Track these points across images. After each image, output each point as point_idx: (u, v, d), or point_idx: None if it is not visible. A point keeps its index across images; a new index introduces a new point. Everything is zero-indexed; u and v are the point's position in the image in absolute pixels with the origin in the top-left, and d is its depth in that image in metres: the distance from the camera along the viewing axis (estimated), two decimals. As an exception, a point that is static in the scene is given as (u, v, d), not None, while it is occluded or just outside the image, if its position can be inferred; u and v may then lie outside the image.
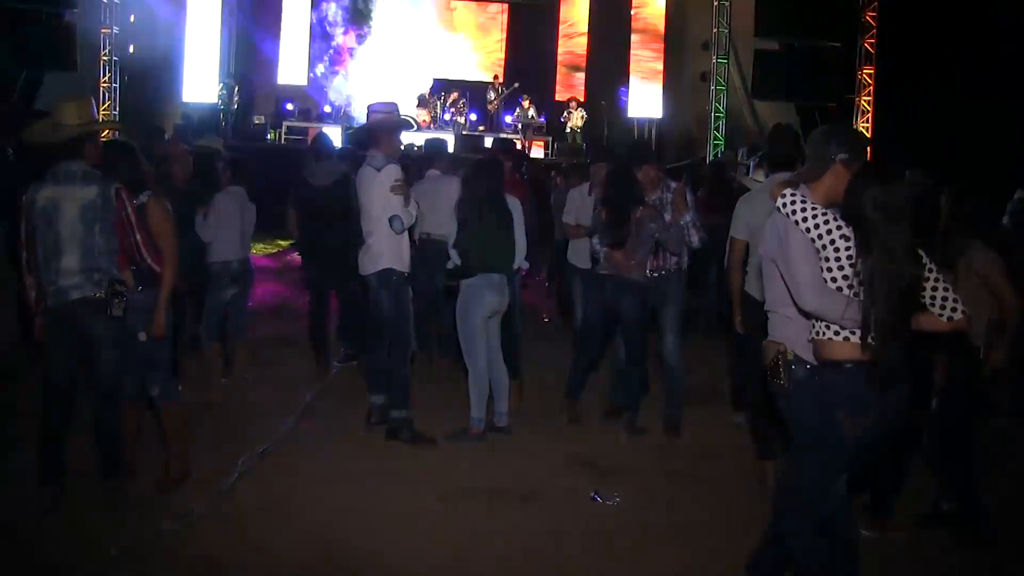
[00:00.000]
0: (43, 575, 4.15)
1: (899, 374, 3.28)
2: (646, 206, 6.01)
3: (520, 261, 6.20)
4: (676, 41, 20.38)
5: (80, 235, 4.56)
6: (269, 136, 18.91)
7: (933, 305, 3.32)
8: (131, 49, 17.20)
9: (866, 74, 17.20)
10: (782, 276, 3.50)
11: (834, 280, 3.29)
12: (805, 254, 3.36)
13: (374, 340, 6.14)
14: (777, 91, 17.04)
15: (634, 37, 20.50)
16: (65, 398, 4.71)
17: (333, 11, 20.32)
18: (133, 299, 4.72)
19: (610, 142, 18.26)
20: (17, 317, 7.04)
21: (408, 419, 5.92)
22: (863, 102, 17.20)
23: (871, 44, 17.09)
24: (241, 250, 7.00)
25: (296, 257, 11.88)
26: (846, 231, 3.28)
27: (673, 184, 6.23)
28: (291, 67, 20.45)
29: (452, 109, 19.28)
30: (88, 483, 4.75)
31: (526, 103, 19.27)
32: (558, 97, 20.84)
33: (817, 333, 3.39)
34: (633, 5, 20.54)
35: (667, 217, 6.04)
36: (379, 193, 5.76)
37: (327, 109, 19.51)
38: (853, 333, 3.28)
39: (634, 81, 20.32)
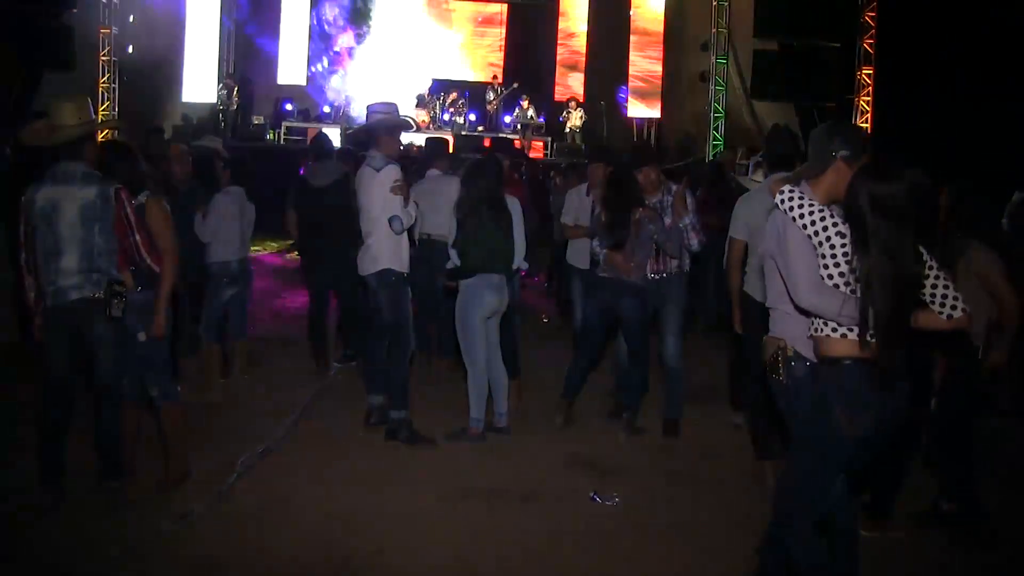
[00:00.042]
0: (43, 575, 4.15)
1: (899, 372, 3.28)
2: (646, 208, 6.00)
3: (519, 262, 6.19)
4: (675, 41, 20.38)
5: (79, 235, 4.56)
6: (268, 136, 18.92)
7: (933, 303, 3.32)
8: (130, 49, 17.22)
9: (865, 74, 17.20)
10: (780, 273, 3.50)
11: (831, 277, 3.29)
12: (802, 251, 3.36)
13: (373, 340, 6.14)
14: (776, 91, 17.03)
15: (633, 37, 20.50)
16: (64, 398, 4.72)
17: (332, 11, 20.31)
18: (132, 299, 4.72)
19: (609, 142, 18.26)
20: (16, 317, 7.04)
21: (407, 419, 5.91)
22: (862, 102, 17.19)
23: (870, 44, 17.09)
24: (240, 250, 6.99)
25: (295, 257, 11.90)
26: (842, 228, 3.28)
27: (674, 187, 6.22)
28: (290, 67, 20.46)
29: (451, 109, 19.28)
30: (88, 483, 4.75)
31: (525, 103, 19.29)
32: (557, 97, 20.83)
33: (816, 330, 3.39)
34: (632, 5, 20.54)
35: (667, 221, 6.04)
36: (378, 193, 5.76)
37: (326, 109, 19.52)
38: (851, 330, 3.28)
39: (633, 81, 20.33)
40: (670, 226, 6.01)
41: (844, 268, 3.27)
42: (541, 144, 18.93)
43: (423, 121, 18.61)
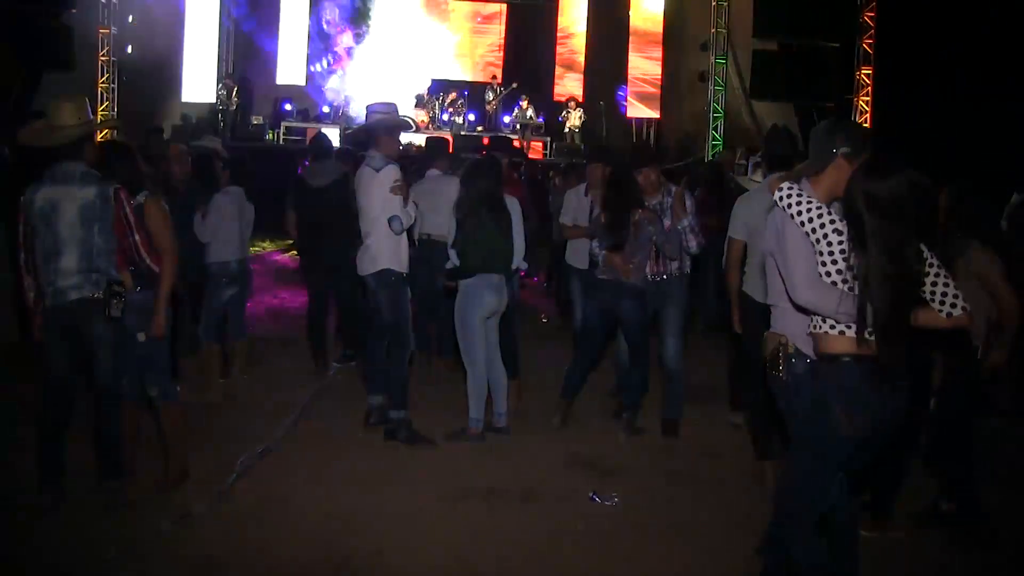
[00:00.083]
0: (43, 575, 4.14)
1: (898, 371, 3.27)
2: (645, 209, 5.99)
3: (519, 262, 6.19)
4: (674, 41, 20.39)
5: (79, 236, 4.56)
6: (268, 136, 18.92)
7: (933, 300, 3.31)
8: (129, 49, 17.21)
9: (864, 74, 17.20)
10: (779, 270, 3.50)
11: (828, 275, 3.29)
12: (800, 248, 3.36)
13: (373, 340, 6.14)
14: (775, 91, 17.03)
15: (632, 37, 20.51)
16: (64, 398, 4.71)
17: (331, 11, 20.31)
18: (132, 299, 4.72)
19: (608, 142, 18.26)
20: (16, 317, 7.03)
21: (407, 419, 5.91)
22: (861, 102, 17.19)
23: (869, 44, 17.09)
24: (239, 250, 6.99)
25: (295, 257, 11.91)
26: (839, 225, 3.27)
27: (674, 188, 6.21)
28: (290, 67, 20.46)
29: (450, 109, 19.28)
30: (88, 483, 4.74)
31: (524, 103, 19.29)
32: (556, 97, 20.84)
33: (815, 327, 3.39)
34: (631, 5, 20.54)
35: (666, 223, 6.03)
36: (378, 194, 5.76)
37: (325, 109, 19.52)
38: (849, 327, 3.28)
39: (632, 81, 20.33)
40: (669, 228, 6.01)
41: (841, 265, 3.26)
42: (540, 144, 18.93)
43: (422, 121, 18.60)
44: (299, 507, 4.86)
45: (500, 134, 18.60)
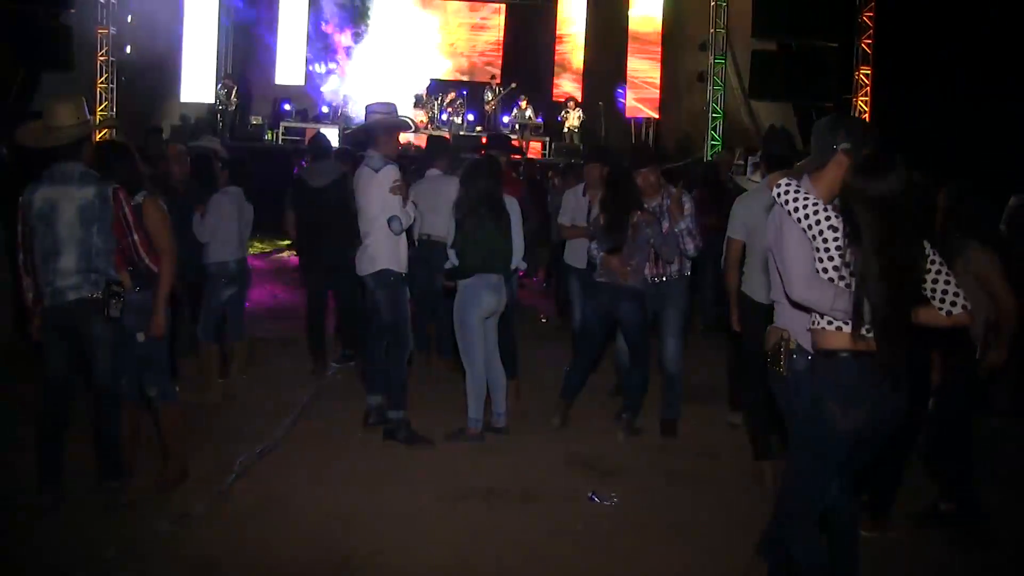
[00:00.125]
0: (42, 575, 4.14)
1: (899, 370, 3.27)
2: (644, 211, 5.98)
3: (518, 262, 6.19)
4: (673, 41, 20.39)
5: (78, 236, 4.56)
6: (267, 136, 18.91)
7: (933, 298, 3.30)
8: (128, 49, 17.21)
9: (863, 74, 17.20)
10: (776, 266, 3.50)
11: (825, 271, 3.28)
12: (797, 244, 3.35)
13: (372, 340, 6.14)
14: (774, 91, 17.03)
15: (631, 37, 20.51)
16: (63, 398, 4.71)
17: (330, 11, 20.31)
18: (131, 299, 4.71)
19: (607, 142, 18.27)
20: (14, 318, 7.03)
21: (406, 419, 5.91)
22: (860, 102, 17.19)
23: (868, 45, 17.09)
24: (238, 250, 6.98)
25: (294, 258, 11.91)
26: (835, 222, 3.26)
27: (673, 190, 6.20)
28: (288, 67, 20.47)
29: (449, 109, 19.29)
30: (87, 483, 4.74)
31: (523, 103, 19.30)
32: (555, 97, 20.85)
33: (813, 322, 3.39)
34: (630, 5, 20.55)
35: (665, 225, 6.01)
36: (377, 194, 5.75)
37: (324, 109, 19.52)
38: (846, 323, 3.27)
39: (631, 81, 20.34)
40: (667, 231, 5.99)
41: (838, 262, 3.25)
42: (539, 144, 18.93)
43: (421, 121, 18.61)
44: (298, 507, 4.85)
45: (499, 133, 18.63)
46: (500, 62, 21.59)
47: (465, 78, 21.41)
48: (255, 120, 19.13)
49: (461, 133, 18.47)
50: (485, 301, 5.96)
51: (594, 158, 7.20)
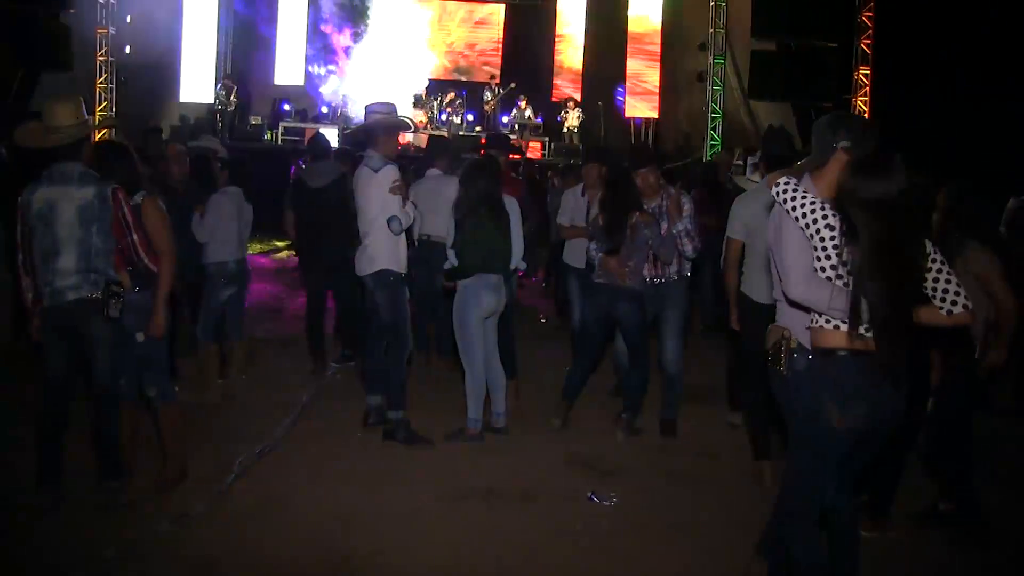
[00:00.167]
0: (42, 575, 4.14)
1: (899, 370, 3.26)
2: (643, 212, 5.97)
3: (517, 262, 6.18)
4: (673, 41, 20.39)
5: (77, 236, 4.55)
6: (266, 136, 18.91)
7: (934, 297, 3.29)
8: (127, 50, 17.21)
9: (862, 75, 17.21)
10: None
11: (823, 270, 3.27)
12: (795, 243, 3.34)
13: (371, 340, 6.14)
14: (773, 91, 17.05)
15: (630, 37, 20.51)
16: (62, 398, 4.71)
17: (329, 9, 20.30)
18: (130, 300, 4.71)
19: (606, 142, 18.28)
20: (13, 318, 7.03)
21: (405, 419, 5.91)
22: (859, 103, 17.20)
23: (867, 45, 17.10)
24: (238, 250, 6.98)
25: (293, 258, 11.91)
26: (832, 220, 3.25)
27: (672, 190, 6.19)
28: (288, 67, 20.46)
29: (448, 109, 19.28)
30: (87, 483, 4.74)
31: (523, 103, 19.30)
32: (554, 97, 20.84)
33: (812, 321, 3.38)
34: (629, 5, 20.55)
35: (664, 226, 6.00)
36: (376, 194, 5.75)
37: (324, 110, 19.51)
38: (844, 322, 3.27)
39: (630, 81, 20.34)
40: (666, 232, 5.98)
41: (835, 260, 3.24)
42: (539, 144, 18.92)
43: (420, 121, 18.60)
44: (298, 507, 4.85)
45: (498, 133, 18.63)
46: (500, 62, 21.58)
47: (464, 78, 21.40)
48: (254, 120, 19.13)
49: (460, 133, 18.46)
50: (485, 301, 5.95)
51: (592, 158, 7.19)
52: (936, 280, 3.29)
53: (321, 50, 20.36)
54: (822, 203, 3.29)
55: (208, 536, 4.47)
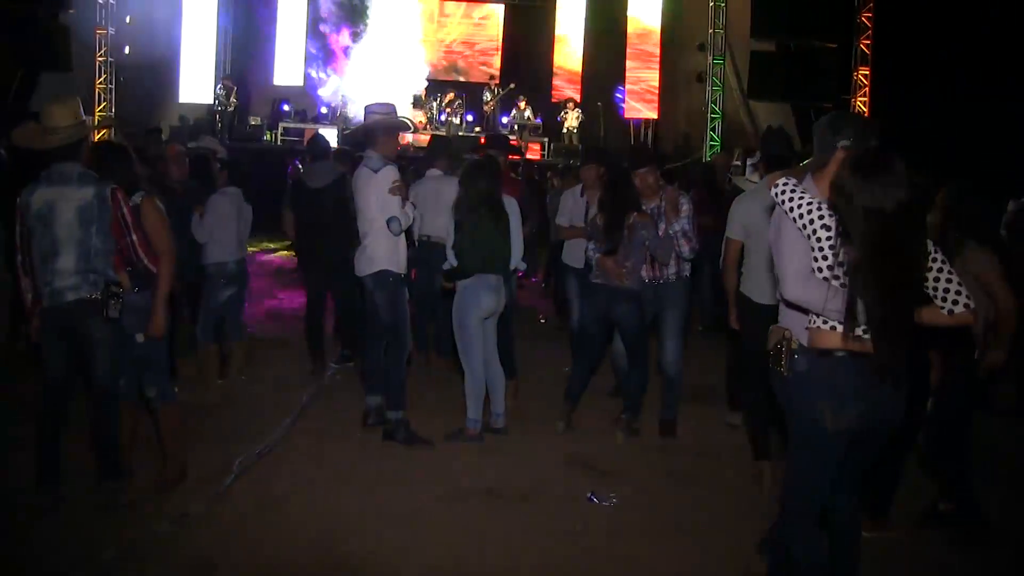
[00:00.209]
0: (41, 575, 4.15)
1: (898, 371, 3.25)
2: (641, 212, 5.96)
3: (517, 262, 6.18)
4: (672, 42, 20.40)
5: (76, 236, 4.55)
6: (266, 137, 18.91)
7: (935, 297, 3.28)
8: (127, 50, 17.22)
9: (861, 75, 17.23)
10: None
11: (820, 270, 3.26)
12: (793, 243, 3.33)
13: (371, 341, 6.13)
14: (773, 92, 17.06)
15: (630, 37, 20.52)
16: (62, 399, 4.71)
17: (329, 10, 20.30)
18: (130, 300, 4.71)
19: (606, 143, 18.27)
20: (11, 318, 7.02)
21: (405, 420, 5.90)
22: (859, 103, 17.22)
23: (867, 45, 17.12)
24: (237, 251, 6.98)
25: (292, 258, 11.90)
26: (828, 220, 3.24)
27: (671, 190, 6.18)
28: (287, 67, 20.46)
29: (448, 110, 19.28)
30: (86, 484, 4.74)
31: (522, 104, 19.31)
32: (554, 98, 20.84)
33: (810, 321, 3.38)
34: (628, 5, 20.55)
35: (662, 227, 5.99)
36: (375, 194, 5.75)
37: (323, 110, 19.52)
38: (841, 323, 3.26)
39: (630, 82, 20.34)
40: (663, 232, 5.97)
41: (831, 261, 3.23)
42: (538, 145, 18.93)
43: (420, 122, 18.60)
44: (297, 508, 4.85)
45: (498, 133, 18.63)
46: (499, 62, 21.59)
47: (463, 78, 21.41)
48: (254, 121, 19.14)
49: (460, 134, 18.46)
50: (484, 302, 5.95)
51: (590, 159, 7.16)
52: (937, 280, 3.27)
53: (320, 51, 20.36)
54: (820, 203, 3.28)
55: (207, 536, 4.47)
